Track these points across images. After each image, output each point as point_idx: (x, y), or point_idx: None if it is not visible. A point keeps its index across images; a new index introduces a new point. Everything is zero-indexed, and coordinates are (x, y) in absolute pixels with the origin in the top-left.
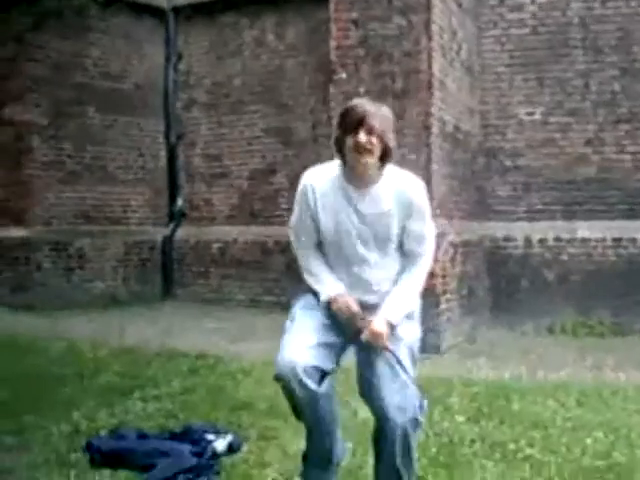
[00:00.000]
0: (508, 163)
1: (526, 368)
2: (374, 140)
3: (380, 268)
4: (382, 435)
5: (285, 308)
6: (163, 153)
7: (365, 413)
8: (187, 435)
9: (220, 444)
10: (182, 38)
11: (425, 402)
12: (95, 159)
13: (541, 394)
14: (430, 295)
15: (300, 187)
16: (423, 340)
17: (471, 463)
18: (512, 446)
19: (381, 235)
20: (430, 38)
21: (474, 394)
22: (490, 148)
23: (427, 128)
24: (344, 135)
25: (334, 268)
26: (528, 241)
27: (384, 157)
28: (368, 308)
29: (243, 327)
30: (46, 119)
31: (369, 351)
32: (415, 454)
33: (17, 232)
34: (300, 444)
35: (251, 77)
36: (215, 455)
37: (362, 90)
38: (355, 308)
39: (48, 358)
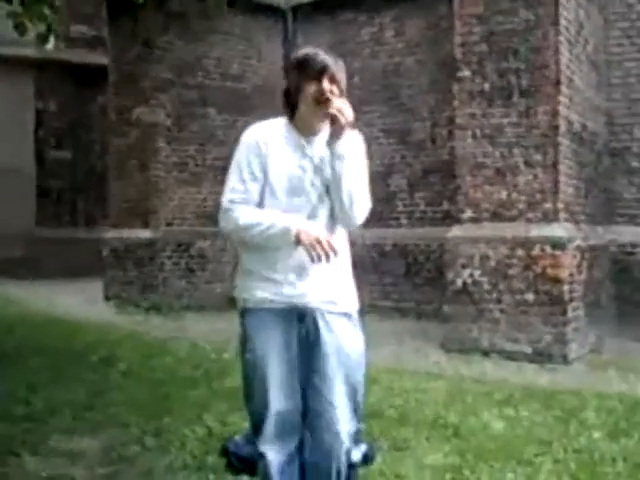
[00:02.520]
0: (635, 164)
1: None
2: (335, 89)
3: (329, 230)
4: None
5: (403, 312)
6: None
7: None
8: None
9: (355, 454)
10: (300, 37)
11: (371, 450)
12: (217, 160)
13: None
14: (557, 302)
15: (244, 142)
16: (549, 349)
17: None
18: None
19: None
20: (558, 32)
21: (610, 408)
22: (616, 148)
23: (554, 127)
24: (301, 83)
25: (264, 247)
26: None
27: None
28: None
29: (364, 332)
30: (170, 120)
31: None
32: None
33: (143, 233)
34: (436, 455)
35: (369, 75)
36: (351, 465)
37: (487, 87)
38: (323, 234)
39: (176, 359)
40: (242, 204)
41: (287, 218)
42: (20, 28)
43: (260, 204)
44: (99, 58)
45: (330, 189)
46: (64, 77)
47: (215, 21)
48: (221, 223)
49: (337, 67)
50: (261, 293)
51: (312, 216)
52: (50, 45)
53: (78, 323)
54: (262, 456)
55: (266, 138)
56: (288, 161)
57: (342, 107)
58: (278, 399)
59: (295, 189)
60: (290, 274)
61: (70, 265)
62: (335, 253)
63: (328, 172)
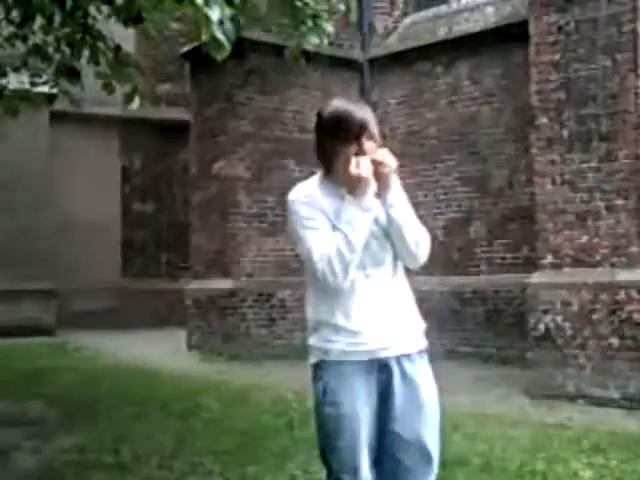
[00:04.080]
0: None
1: None
2: (373, 145)
3: (393, 273)
4: None
5: (485, 359)
6: None
7: None
8: None
9: None
10: (377, 89)
11: None
12: None
13: None
14: None
15: (298, 201)
16: (638, 395)
17: None
18: None
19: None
20: (638, 77)
21: None
22: None
23: (636, 171)
24: (338, 145)
25: (338, 300)
26: None
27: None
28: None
29: (444, 379)
30: (250, 173)
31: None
32: None
33: (224, 284)
34: None
35: (446, 125)
36: None
37: (565, 133)
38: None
39: (259, 408)
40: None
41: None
42: (108, 88)
43: None
44: (181, 114)
45: (393, 238)
46: (148, 134)
47: (293, 75)
48: (328, 277)
49: (371, 120)
50: (340, 345)
51: (378, 264)
52: (135, 105)
53: (163, 373)
54: None
55: (315, 194)
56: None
57: (384, 157)
58: (365, 458)
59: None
60: (366, 323)
61: (155, 315)
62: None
63: (384, 220)
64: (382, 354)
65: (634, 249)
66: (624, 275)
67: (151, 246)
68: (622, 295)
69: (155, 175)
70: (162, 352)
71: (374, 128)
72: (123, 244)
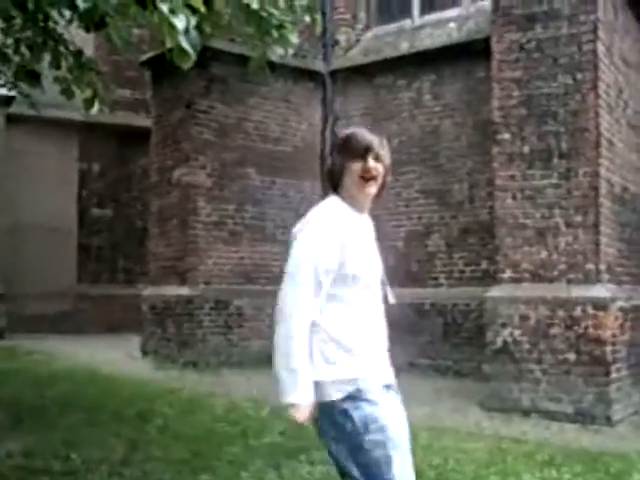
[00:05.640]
0: None
1: None
2: (380, 168)
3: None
4: None
5: (441, 371)
6: None
7: None
8: None
9: None
10: (339, 100)
11: None
12: (254, 219)
13: None
14: (599, 363)
15: (323, 229)
16: (592, 410)
17: None
18: None
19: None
20: (597, 96)
21: None
22: None
23: (595, 189)
24: (347, 161)
25: (355, 324)
26: None
27: (380, 190)
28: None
29: (400, 391)
30: (210, 181)
31: None
32: None
33: (182, 290)
34: None
35: (408, 138)
36: None
37: (526, 149)
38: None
39: (214, 415)
40: (307, 300)
41: (306, 380)
42: (67, 92)
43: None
44: (142, 120)
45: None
46: (108, 139)
47: (256, 85)
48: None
49: (382, 146)
50: (370, 370)
51: (380, 304)
52: (95, 110)
53: (116, 378)
54: None
55: (341, 223)
56: (362, 248)
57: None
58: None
59: (372, 278)
60: (377, 349)
61: (110, 321)
62: None
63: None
64: (389, 379)
65: (590, 266)
66: (580, 291)
67: (108, 251)
68: (578, 311)
69: (114, 181)
70: (116, 358)
71: (382, 153)
72: (79, 249)
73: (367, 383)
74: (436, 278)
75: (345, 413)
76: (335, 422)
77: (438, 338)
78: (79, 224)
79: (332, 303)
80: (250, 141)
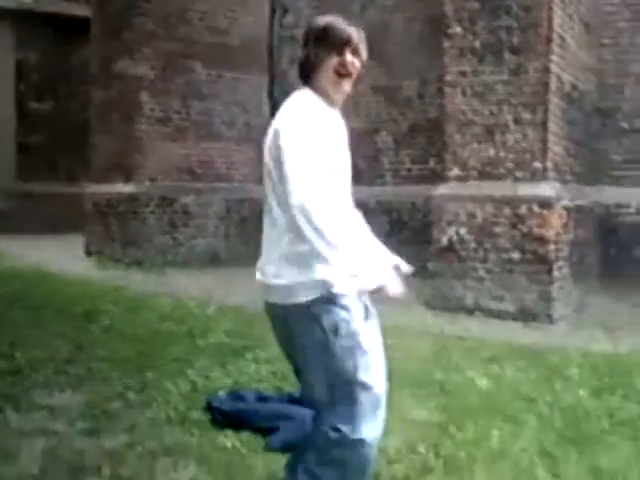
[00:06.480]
0: (625, 125)
1: None
2: (357, 63)
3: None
4: None
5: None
6: (267, 109)
7: None
8: (307, 400)
9: None
10: None
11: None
12: (200, 115)
13: None
14: (542, 261)
15: (302, 120)
16: (534, 308)
17: (600, 440)
18: None
19: None
20: None
21: (593, 367)
22: (606, 109)
23: (545, 85)
24: (322, 54)
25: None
26: None
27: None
28: None
29: None
30: (154, 73)
31: None
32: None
33: (126, 188)
34: (421, 412)
35: None
36: None
37: (477, 44)
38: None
39: (159, 315)
40: (319, 185)
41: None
42: None
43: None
44: (81, 9)
45: None
46: (45, 28)
47: None
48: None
49: (360, 39)
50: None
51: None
52: None
53: (59, 278)
54: (363, 442)
55: (317, 115)
56: (335, 141)
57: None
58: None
59: (345, 172)
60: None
61: (52, 220)
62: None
63: None
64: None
65: (537, 164)
66: (527, 189)
67: (49, 148)
68: (524, 209)
69: (53, 73)
70: (59, 257)
71: (361, 46)
72: (18, 145)
73: (340, 288)
74: (382, 176)
75: (315, 317)
76: (304, 326)
77: (384, 237)
78: (17, 119)
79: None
80: (196, 33)
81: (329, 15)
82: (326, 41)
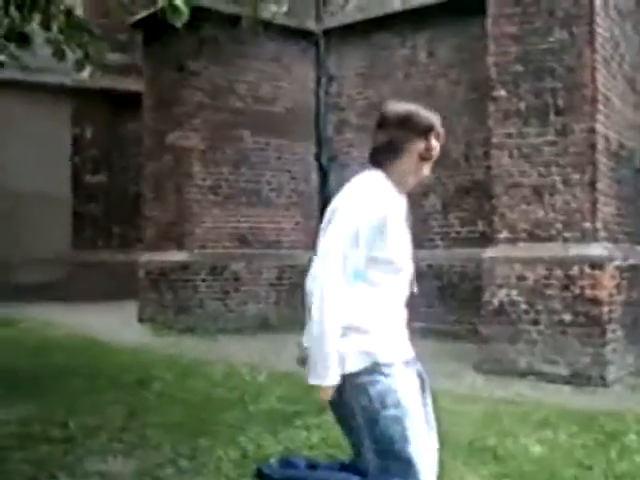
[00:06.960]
0: None
1: None
2: (438, 148)
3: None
4: None
5: (438, 334)
6: (315, 176)
7: None
8: (358, 468)
9: None
10: (333, 60)
11: None
12: (249, 182)
13: None
14: (595, 323)
15: (377, 208)
16: (587, 371)
17: None
18: None
19: None
20: (594, 50)
21: None
22: None
23: (592, 145)
24: (408, 139)
25: (379, 310)
26: None
27: None
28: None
29: None
30: (204, 144)
31: None
32: None
33: (178, 256)
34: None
35: (403, 97)
36: None
37: (522, 106)
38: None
39: (211, 381)
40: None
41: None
42: (59, 54)
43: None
44: (134, 84)
45: None
46: (100, 103)
47: (248, 45)
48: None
49: (440, 125)
50: (395, 345)
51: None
52: (87, 72)
53: (113, 345)
54: None
55: (391, 204)
56: (402, 233)
57: None
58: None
59: (407, 265)
60: (397, 330)
61: (105, 288)
62: None
63: None
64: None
65: (587, 224)
66: (577, 250)
67: (103, 218)
68: (575, 270)
69: (107, 146)
70: (113, 325)
71: (442, 132)
72: (74, 216)
73: (384, 357)
74: (432, 239)
75: (361, 387)
76: (350, 396)
77: (434, 300)
78: (73, 191)
79: (361, 284)
80: (243, 103)
81: (402, 101)
82: (411, 126)
